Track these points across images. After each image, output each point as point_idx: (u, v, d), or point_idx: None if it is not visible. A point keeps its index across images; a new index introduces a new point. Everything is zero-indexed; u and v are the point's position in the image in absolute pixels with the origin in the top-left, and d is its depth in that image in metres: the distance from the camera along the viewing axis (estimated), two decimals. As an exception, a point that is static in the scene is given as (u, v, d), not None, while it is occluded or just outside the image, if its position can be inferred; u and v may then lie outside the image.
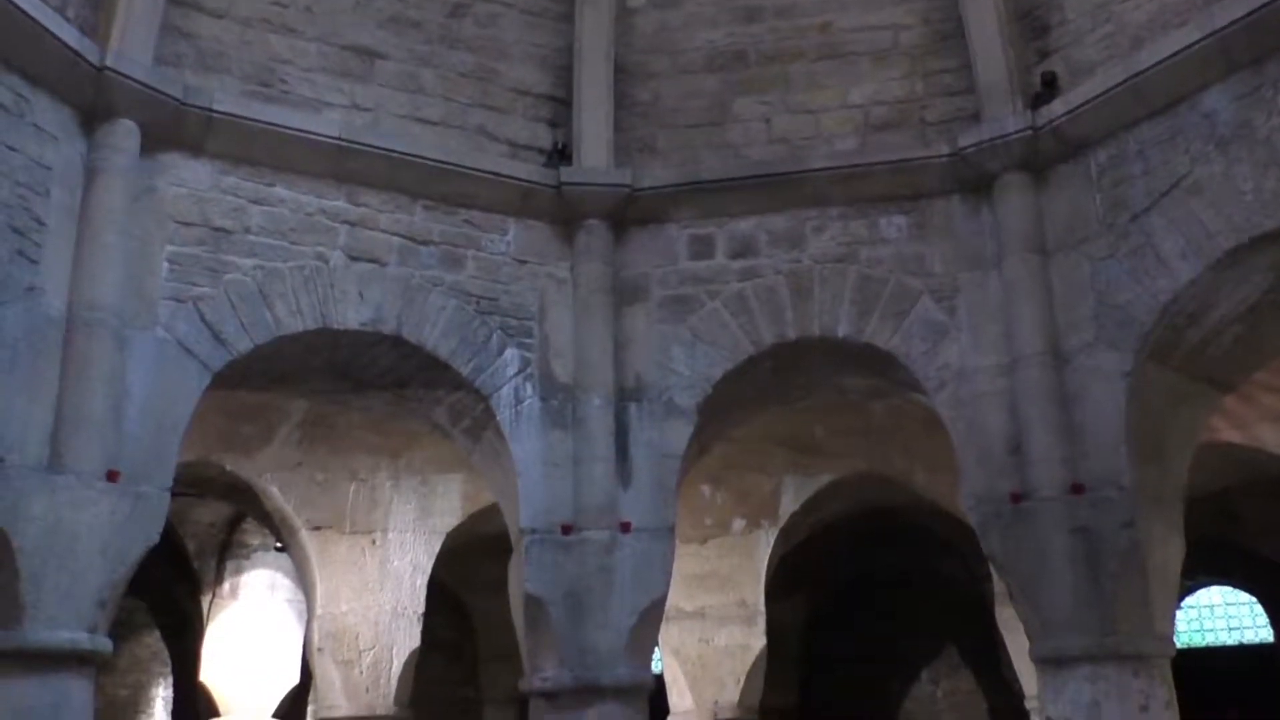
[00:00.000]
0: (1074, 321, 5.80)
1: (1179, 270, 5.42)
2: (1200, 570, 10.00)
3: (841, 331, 6.30)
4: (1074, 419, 5.71)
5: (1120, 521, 5.52)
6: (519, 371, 6.36)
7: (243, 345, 5.73)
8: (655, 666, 7.24)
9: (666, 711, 9.14)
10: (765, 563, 9.13)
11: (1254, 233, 5.18)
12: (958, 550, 9.89)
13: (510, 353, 6.35)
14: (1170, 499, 5.88)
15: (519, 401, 6.33)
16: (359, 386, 6.69)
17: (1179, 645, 5.94)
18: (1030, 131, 5.98)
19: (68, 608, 4.88)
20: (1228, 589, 11.98)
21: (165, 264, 5.59)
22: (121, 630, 9.40)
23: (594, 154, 6.63)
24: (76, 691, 4.90)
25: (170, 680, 11.18)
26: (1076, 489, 5.61)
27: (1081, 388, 5.73)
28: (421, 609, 8.87)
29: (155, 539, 5.26)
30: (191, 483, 8.56)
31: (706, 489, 8.97)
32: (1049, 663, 5.70)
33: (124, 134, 5.44)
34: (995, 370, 5.98)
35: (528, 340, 6.42)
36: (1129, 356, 5.58)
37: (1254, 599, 11.80)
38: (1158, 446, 5.79)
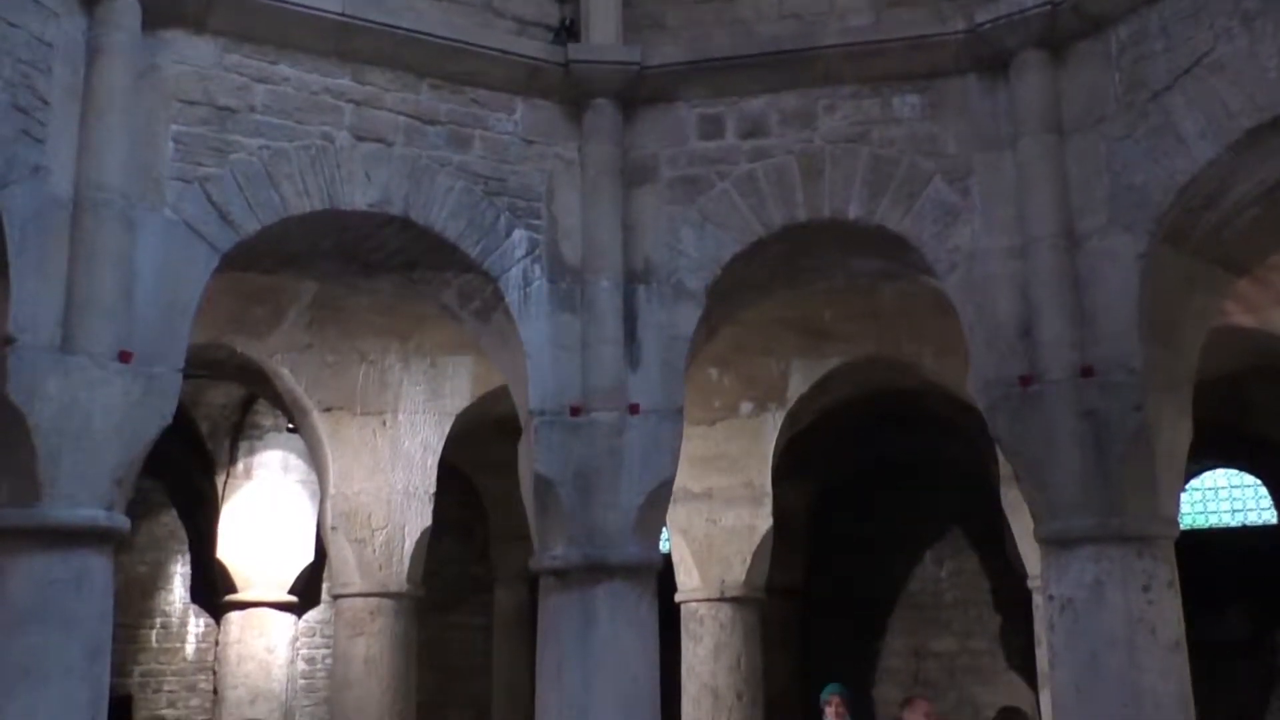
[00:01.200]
0: (1088, 203, 5.73)
1: (1198, 150, 5.33)
2: (1206, 454, 10.05)
3: (852, 213, 6.24)
4: (1085, 302, 5.68)
5: (1130, 405, 5.53)
6: (527, 253, 6.34)
7: (250, 226, 5.70)
8: (663, 546, 7.34)
9: (674, 590, 9.30)
10: (772, 445, 9.20)
11: (1276, 111, 5.07)
12: (964, 433, 9.94)
13: (518, 234, 6.32)
14: (1180, 383, 5.88)
15: (527, 284, 6.31)
16: (367, 269, 6.68)
17: (1182, 527, 6.01)
18: (1049, 6, 5.83)
19: (85, 486, 4.96)
20: (1232, 472, 12.06)
21: (170, 144, 5.54)
22: (139, 509, 9.54)
23: (602, 30, 6.50)
24: (97, 567, 5.00)
25: (188, 558, 11.37)
26: (1086, 372, 5.61)
27: (1094, 271, 5.69)
28: (433, 489, 8.98)
29: (169, 419, 5.31)
30: (203, 365, 8.61)
31: (714, 372, 9.00)
32: (1053, 543, 5.77)
33: (124, 10, 5.34)
34: (1007, 253, 5.93)
35: (536, 222, 6.38)
36: (1143, 239, 5.52)
37: (1258, 481, 11.90)
38: (1170, 330, 5.78)
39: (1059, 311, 5.70)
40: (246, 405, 10.84)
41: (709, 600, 9.32)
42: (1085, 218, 5.74)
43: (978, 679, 12.11)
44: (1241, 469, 12.03)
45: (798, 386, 9.08)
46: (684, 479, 8.15)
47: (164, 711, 11.11)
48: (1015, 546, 9.15)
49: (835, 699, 8.04)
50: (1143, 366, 5.55)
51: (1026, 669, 10.82)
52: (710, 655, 9.25)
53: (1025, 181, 5.90)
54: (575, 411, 6.25)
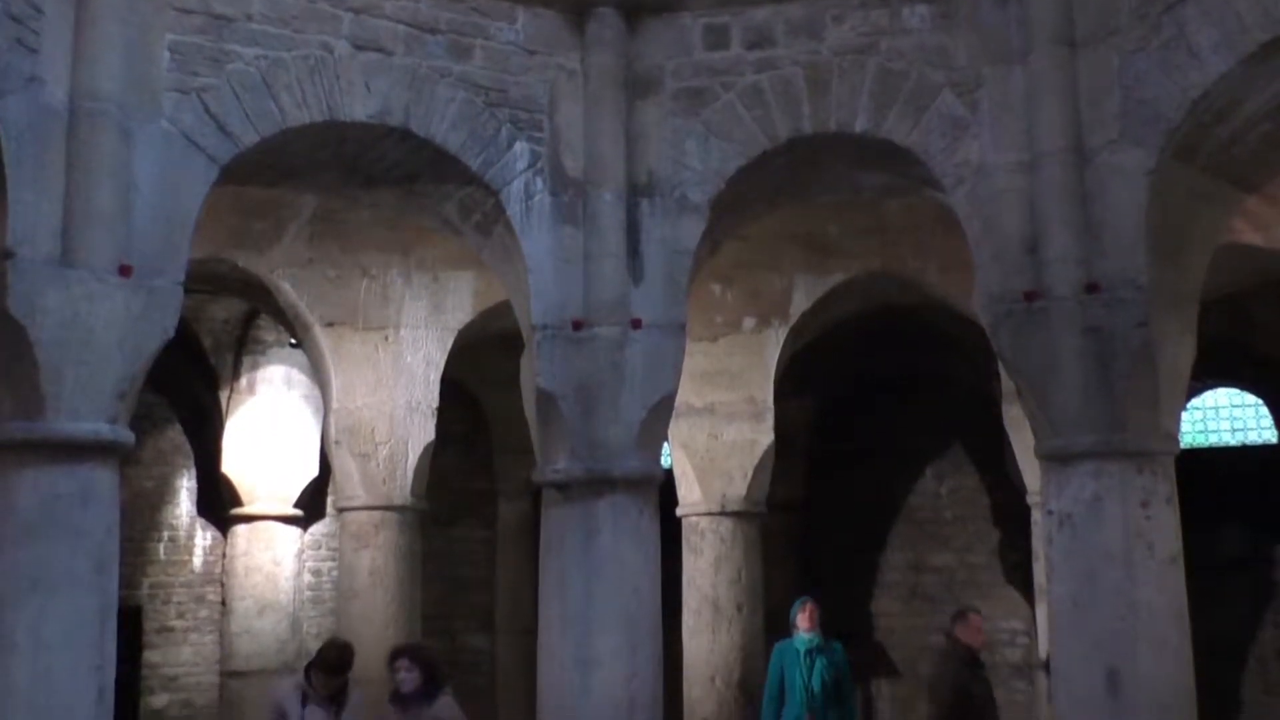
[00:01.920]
0: (1099, 118, 5.65)
1: (1210, 64, 5.24)
2: (1209, 372, 10.03)
3: (859, 126, 6.17)
4: (1093, 218, 5.63)
5: (1134, 321, 5.51)
6: (529, 166, 6.28)
7: (248, 138, 5.64)
8: (665, 461, 7.37)
9: (675, 504, 9.37)
10: (775, 360, 9.20)
11: (1290, 24, 4.99)
12: (967, 350, 9.93)
13: (520, 146, 6.25)
14: (1186, 300, 5.86)
15: (529, 196, 6.26)
16: (368, 181, 6.62)
17: (1182, 446, 6.02)
18: (1064, -85, 5.71)
19: (88, 399, 4.96)
20: (1233, 391, 12.07)
21: (166, 53, 5.45)
22: (144, 424, 9.58)
23: (606, -63, 6.38)
24: (102, 480, 5.03)
25: (194, 472, 11.45)
26: (1092, 288, 5.59)
27: (1102, 186, 5.63)
28: (435, 404, 9.00)
29: (170, 333, 5.30)
30: (204, 279, 8.58)
31: (717, 287, 8.97)
32: (1054, 459, 5.79)
33: (117, -86, 5.22)
34: (1015, 167, 5.86)
35: (538, 134, 6.31)
36: (1153, 154, 5.46)
37: (1259, 400, 11.91)
38: (1177, 247, 5.74)
39: (1066, 227, 5.66)
40: (249, 320, 10.83)
41: (710, 514, 9.40)
42: (1095, 132, 5.66)
43: (976, 593, 12.22)
44: (1243, 388, 12.03)
45: (801, 302, 9.06)
46: (686, 394, 8.16)
47: (173, 622, 11.27)
48: (1015, 463, 9.19)
49: (809, 605, 8.17)
50: (1148, 283, 5.52)
51: (1024, 584, 10.93)
52: (711, 568, 9.35)
53: (1035, 95, 5.82)
54: (577, 326, 6.23)
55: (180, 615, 11.30)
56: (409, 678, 6.09)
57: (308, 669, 6.47)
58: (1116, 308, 5.54)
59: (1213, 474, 10.72)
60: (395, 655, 6.24)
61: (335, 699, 6.64)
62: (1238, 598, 11.06)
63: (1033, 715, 10.58)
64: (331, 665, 6.41)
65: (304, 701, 6.37)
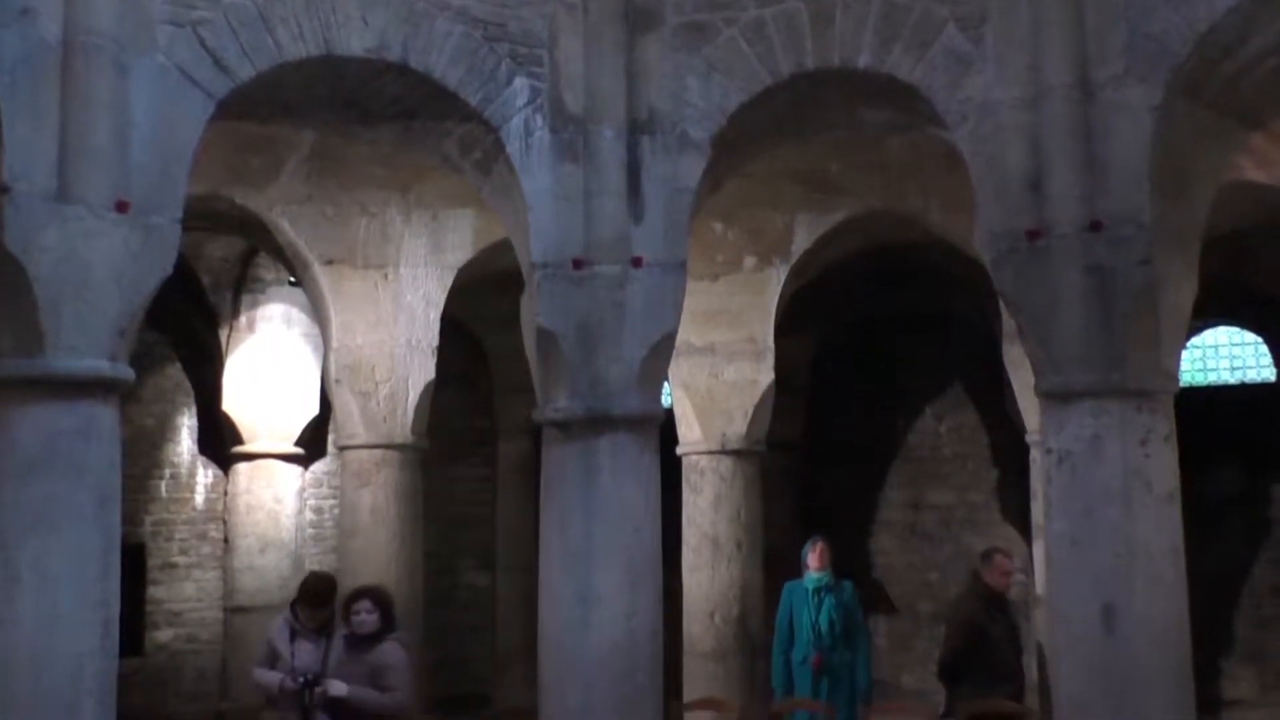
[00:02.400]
0: (1104, 53, 5.59)
1: (1218, -2, 5.18)
2: (1209, 310, 10.02)
3: (862, 62, 6.10)
4: (1097, 155, 5.59)
5: (1136, 259, 5.49)
6: (529, 102, 6.22)
7: (245, 72, 5.58)
8: (665, 401, 7.39)
9: (675, 443, 9.40)
10: (775, 300, 9.18)
11: (1301, -43, 4.92)
12: (968, 289, 9.92)
13: (519, 82, 6.18)
14: (1189, 237, 5.84)
15: (529, 133, 6.21)
16: (366, 118, 6.56)
17: (1182, 384, 6.03)
18: None
19: (87, 336, 4.96)
20: (1233, 329, 12.07)
21: (161, -14, 5.38)
22: (144, 362, 9.57)
23: None
24: (103, 417, 5.04)
25: (194, 410, 11.47)
26: (1095, 226, 5.56)
27: (1107, 123, 5.58)
28: (435, 342, 9.00)
29: (169, 270, 5.28)
30: (202, 216, 8.53)
31: (718, 225, 8.93)
32: (1054, 397, 5.80)
33: None
34: (1019, 104, 5.80)
35: (537, 70, 6.24)
36: (1159, 90, 5.41)
37: (1259, 339, 11.91)
38: (1181, 184, 5.70)
39: (1069, 164, 5.62)
40: (248, 258, 10.80)
41: (710, 453, 9.43)
42: (1100, 68, 5.60)
43: (974, 531, 12.31)
44: (1243, 326, 12.03)
45: (802, 241, 9.02)
46: (686, 333, 8.16)
47: (176, 559, 11.35)
48: (1015, 402, 9.21)
49: (820, 544, 8.24)
50: (1151, 221, 5.49)
51: (1022, 522, 11.00)
52: (711, 506, 9.40)
53: (1040, 29, 5.74)
54: (578, 264, 6.21)
55: (183, 552, 11.38)
56: (369, 620, 6.15)
57: (294, 604, 6.55)
58: (1119, 246, 5.52)
59: (1211, 412, 10.75)
60: (356, 597, 6.30)
61: (323, 632, 6.74)
62: (1234, 535, 11.15)
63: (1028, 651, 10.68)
64: (313, 596, 6.49)
65: (293, 637, 6.46)
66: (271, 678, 6.27)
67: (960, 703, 7.23)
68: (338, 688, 5.96)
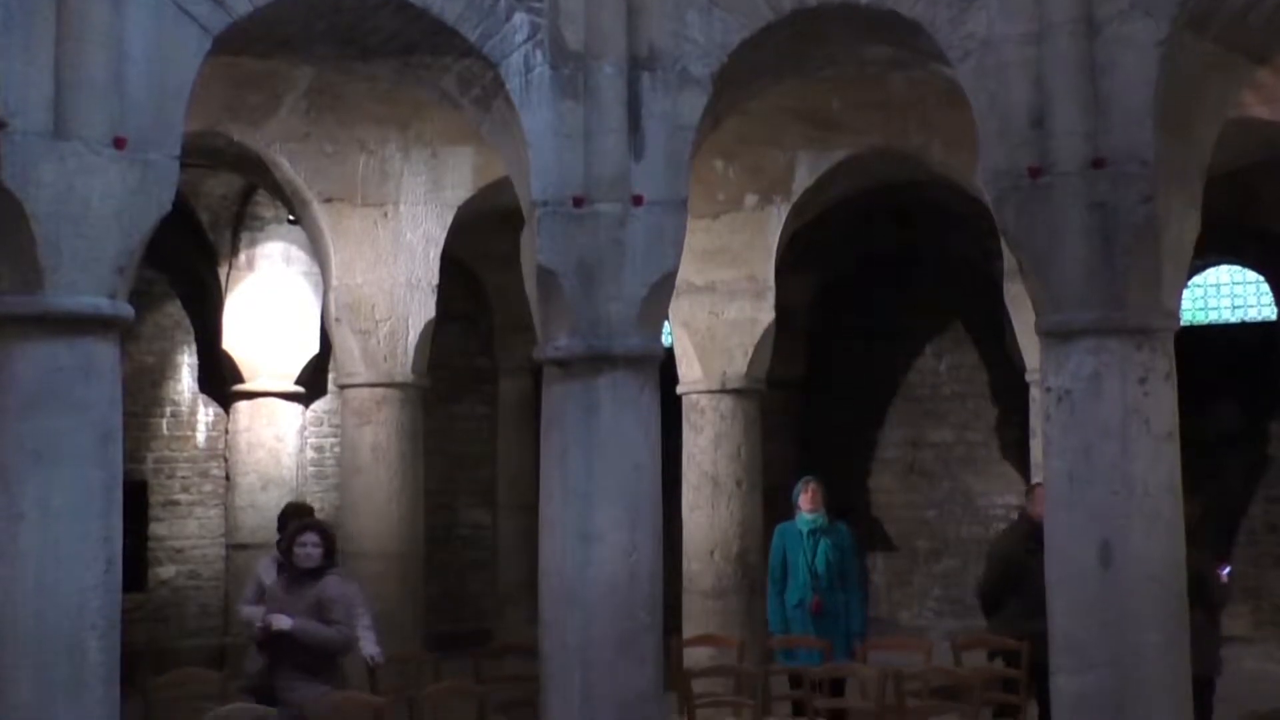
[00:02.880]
0: (1110, -14, 5.52)
1: (1227, -71, 5.11)
2: (1211, 249, 10.00)
3: (864, -4, 6.02)
4: (1101, 91, 5.53)
5: (1139, 196, 5.46)
6: (528, 38, 6.15)
7: (242, 7, 5.52)
8: (665, 340, 7.39)
9: (676, 383, 9.41)
10: (776, 238, 9.15)
11: (1312, -112, 4.84)
12: (970, 227, 9.89)
13: (519, 18, 6.11)
14: (1192, 175, 5.80)
15: (529, 70, 6.15)
16: (365, 53, 6.50)
17: (1182, 323, 6.03)
18: None
19: (87, 274, 4.95)
20: (1235, 268, 12.05)
21: (155, -83, 5.30)
22: (143, 300, 9.55)
23: None
24: (103, 354, 5.04)
25: (195, 348, 11.48)
26: (1097, 163, 5.52)
27: (1111, 58, 5.52)
28: (435, 281, 8.99)
29: (168, 207, 5.26)
30: (200, 153, 8.48)
31: (719, 163, 8.88)
32: (1054, 335, 5.79)
33: None
34: (1023, 39, 5.73)
35: (537, 5, 6.16)
36: (1164, 24, 5.34)
37: (1260, 278, 11.89)
38: (1185, 120, 5.66)
39: (1073, 101, 5.56)
40: (246, 196, 10.76)
41: (710, 392, 9.45)
42: (1105, 2, 5.52)
43: (972, 469, 12.39)
44: (1245, 265, 12.01)
45: (803, 179, 8.98)
46: (687, 272, 8.14)
47: (178, 496, 11.42)
48: (1015, 340, 9.21)
49: (812, 485, 8.20)
50: (1155, 158, 5.45)
51: (1020, 460, 11.05)
52: (711, 445, 9.44)
53: (1046, -38, 5.66)
54: (578, 202, 6.18)
55: (185, 490, 11.46)
56: (315, 553, 6.19)
57: (279, 541, 6.63)
58: (1122, 183, 5.48)
59: (1211, 351, 10.76)
60: (302, 530, 6.33)
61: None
62: (1231, 473, 11.21)
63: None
64: (296, 513, 6.60)
65: (280, 571, 6.55)
66: (254, 613, 6.38)
67: (999, 632, 7.36)
68: (282, 621, 5.98)
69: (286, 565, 6.30)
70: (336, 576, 6.30)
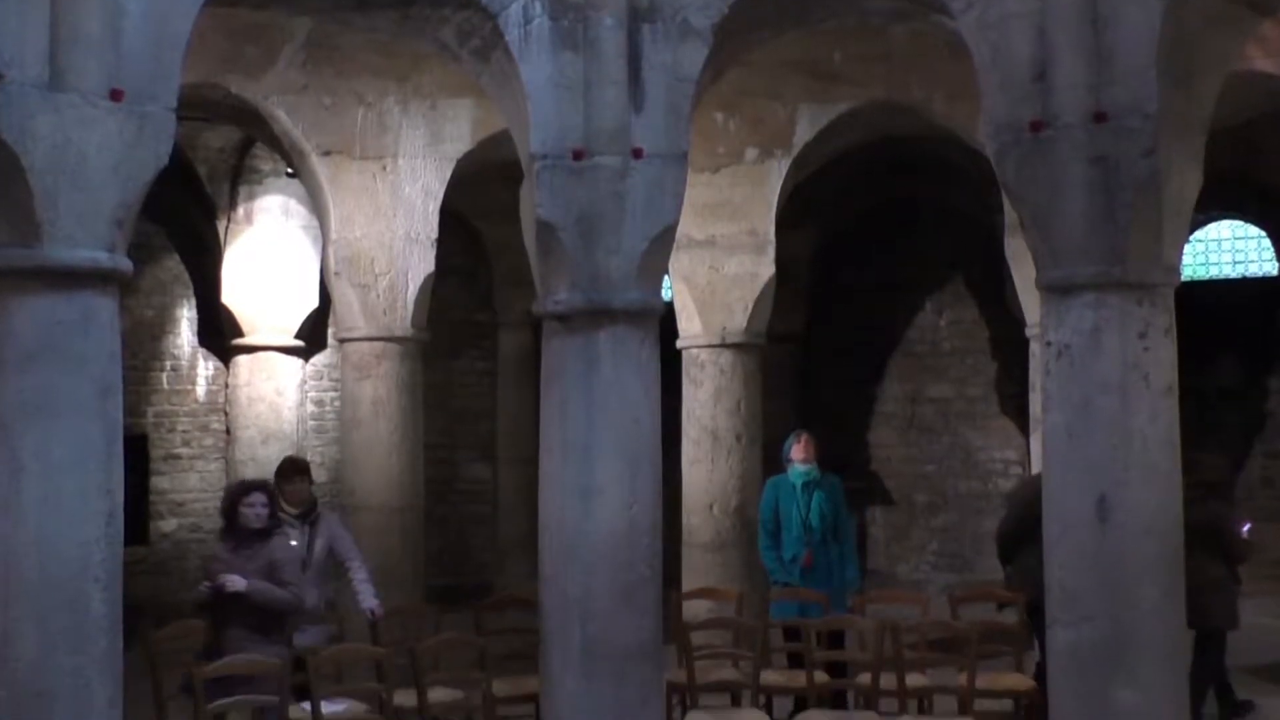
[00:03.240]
0: (1115, -63, 5.46)
1: (1234, -122, 5.04)
2: (1213, 204, 9.96)
3: (867, -53, 5.97)
4: (1104, 43, 5.48)
5: (1141, 150, 5.43)
6: (528, -11, 6.09)
7: (237, -43, 5.46)
8: (665, 295, 7.38)
9: (676, 338, 9.41)
10: (777, 192, 9.12)
11: None
12: (971, 182, 9.84)
13: (518, -32, 6.05)
14: (1195, 128, 5.77)
15: (528, 21, 6.09)
16: (363, 4, 6.44)
17: (1183, 278, 6.02)
18: None
19: (84, 227, 4.92)
20: (1236, 223, 12.01)
21: None
22: (141, 254, 9.53)
23: None
24: (102, 308, 5.03)
25: (194, 302, 11.47)
26: (1099, 117, 5.48)
27: (1114, 11, 5.46)
28: (435, 234, 8.96)
29: (165, 160, 5.22)
30: (198, 106, 8.43)
31: (720, 116, 8.83)
32: (1055, 290, 5.78)
33: None
34: (1026, -9, 5.69)
35: (536, -45, 6.10)
36: (1170, -25, 5.30)
37: (1263, 233, 11.86)
38: (1188, 73, 5.61)
39: (1076, 53, 5.52)
40: (244, 149, 10.70)
41: (710, 346, 9.46)
42: (1110, -47, 5.48)
43: (971, 424, 12.42)
44: (1246, 220, 11.97)
45: (804, 132, 8.93)
46: (687, 226, 8.12)
47: (179, 450, 11.45)
48: (1015, 295, 9.20)
49: (804, 437, 8.06)
50: (1157, 111, 5.42)
51: (1019, 415, 11.08)
52: (711, 399, 9.46)
53: (1050, -88, 5.60)
54: (578, 155, 6.15)
55: (186, 443, 11.48)
56: (262, 513, 6.18)
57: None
58: (1124, 136, 5.45)
59: (1212, 306, 10.75)
60: (247, 490, 6.33)
61: (306, 518, 6.88)
62: (1230, 428, 11.23)
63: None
64: (284, 472, 6.62)
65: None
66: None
67: (1015, 581, 7.39)
68: (237, 582, 5.95)
69: (231, 528, 6.26)
70: (284, 537, 6.29)
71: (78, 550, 4.83)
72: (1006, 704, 7.22)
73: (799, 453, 8.02)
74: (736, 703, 7.20)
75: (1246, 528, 7.85)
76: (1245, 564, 7.77)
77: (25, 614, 4.74)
